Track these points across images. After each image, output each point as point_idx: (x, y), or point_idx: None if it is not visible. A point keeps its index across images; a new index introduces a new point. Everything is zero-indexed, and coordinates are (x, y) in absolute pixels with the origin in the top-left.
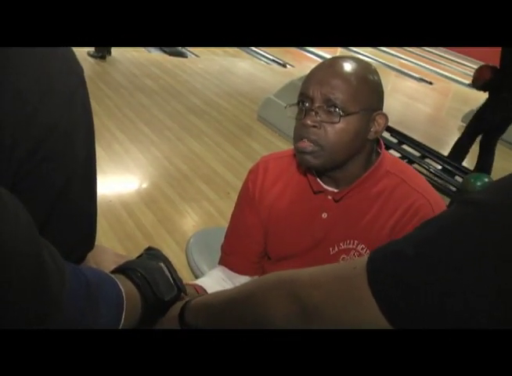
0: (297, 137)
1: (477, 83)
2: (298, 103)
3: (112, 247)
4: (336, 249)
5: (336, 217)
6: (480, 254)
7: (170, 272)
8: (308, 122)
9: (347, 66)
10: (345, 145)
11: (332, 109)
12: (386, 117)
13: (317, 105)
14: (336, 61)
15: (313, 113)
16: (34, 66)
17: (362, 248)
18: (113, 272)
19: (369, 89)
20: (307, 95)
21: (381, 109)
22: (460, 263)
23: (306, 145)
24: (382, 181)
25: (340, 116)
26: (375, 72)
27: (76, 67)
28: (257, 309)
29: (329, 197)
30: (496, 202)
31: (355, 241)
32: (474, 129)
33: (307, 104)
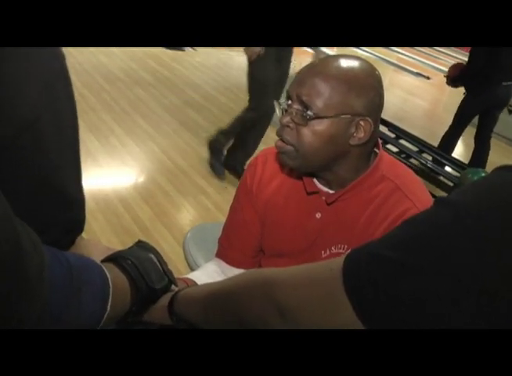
0: (277, 135)
1: (448, 80)
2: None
3: (108, 241)
4: (327, 252)
5: (329, 218)
6: (454, 257)
7: (160, 263)
8: (283, 121)
9: (333, 68)
10: (318, 149)
11: (305, 110)
12: (371, 123)
13: (293, 105)
14: (323, 61)
15: (290, 112)
16: (14, 54)
17: None
18: (103, 261)
19: (352, 93)
20: (288, 94)
21: (370, 115)
22: (434, 266)
23: (280, 144)
24: (377, 186)
25: (308, 119)
26: (370, 75)
27: (57, 54)
28: (236, 307)
29: (323, 198)
30: (472, 204)
31: (346, 246)
32: (459, 120)
33: (289, 102)
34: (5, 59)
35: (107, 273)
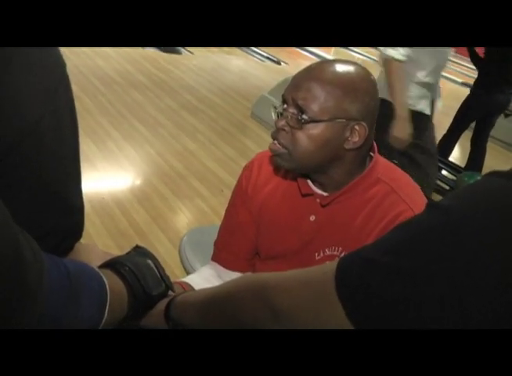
0: (272, 137)
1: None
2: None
3: (105, 244)
4: (321, 254)
5: (323, 221)
6: (446, 261)
7: (157, 268)
8: (278, 125)
9: (328, 72)
10: (313, 152)
11: (300, 114)
12: (365, 128)
13: (288, 109)
14: (319, 65)
15: (285, 115)
16: (16, 60)
17: None
18: (100, 266)
19: (346, 98)
20: (283, 97)
21: (365, 119)
22: (427, 270)
23: (274, 147)
24: (372, 189)
25: (303, 123)
26: (366, 80)
27: (58, 61)
28: (231, 311)
29: (318, 201)
30: (463, 209)
31: (340, 248)
32: (458, 124)
33: (285, 106)
34: (7, 62)
35: (105, 280)
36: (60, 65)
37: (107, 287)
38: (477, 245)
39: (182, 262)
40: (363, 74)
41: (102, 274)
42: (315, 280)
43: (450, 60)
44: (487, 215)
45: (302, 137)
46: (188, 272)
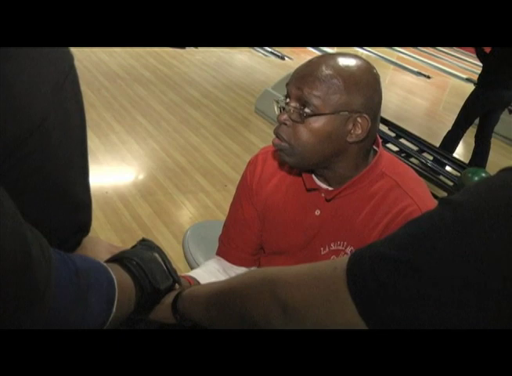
0: (274, 133)
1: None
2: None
3: (108, 238)
4: (327, 249)
5: (328, 215)
6: (456, 258)
7: (164, 262)
8: (280, 119)
9: (330, 65)
10: (314, 145)
11: (302, 108)
12: (368, 120)
13: (291, 102)
14: (322, 58)
15: (288, 109)
16: (23, 54)
17: (351, 251)
18: (107, 261)
19: (348, 90)
20: (287, 91)
21: (367, 112)
22: (438, 267)
23: (276, 141)
24: (377, 183)
25: (305, 116)
26: (367, 73)
27: (65, 55)
28: (240, 306)
29: (323, 195)
30: (473, 204)
31: (345, 243)
32: (462, 120)
33: (287, 100)
34: (9, 62)
35: (113, 275)
36: (67, 59)
37: (115, 282)
38: (485, 243)
39: (185, 256)
40: (365, 67)
41: (110, 269)
42: (326, 276)
43: (455, 56)
44: (495, 212)
45: (303, 131)
46: (191, 267)
